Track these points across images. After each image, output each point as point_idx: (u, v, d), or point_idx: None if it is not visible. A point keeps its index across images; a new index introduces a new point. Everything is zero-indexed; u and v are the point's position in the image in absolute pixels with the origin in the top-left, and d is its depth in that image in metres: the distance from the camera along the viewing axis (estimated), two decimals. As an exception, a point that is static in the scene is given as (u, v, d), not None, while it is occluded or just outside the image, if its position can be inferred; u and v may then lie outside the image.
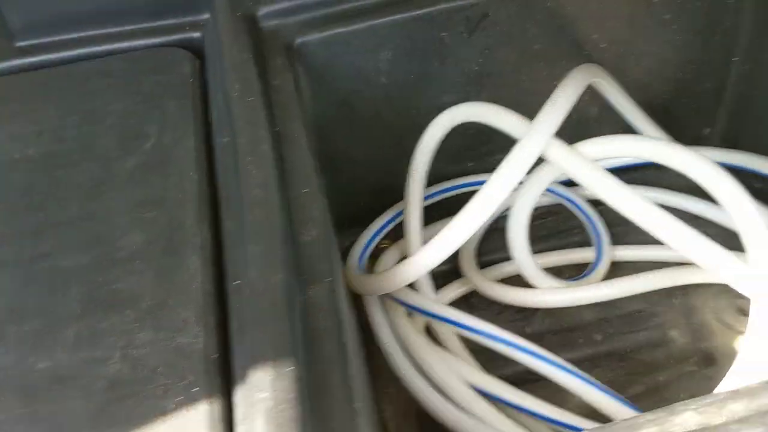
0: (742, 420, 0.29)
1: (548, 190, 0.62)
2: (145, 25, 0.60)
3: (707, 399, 0.31)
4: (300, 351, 0.33)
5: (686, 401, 0.31)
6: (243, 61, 0.47)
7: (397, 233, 0.61)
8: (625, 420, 0.31)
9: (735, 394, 0.30)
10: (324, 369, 0.33)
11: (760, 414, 0.29)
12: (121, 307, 0.43)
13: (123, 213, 0.48)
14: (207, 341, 0.41)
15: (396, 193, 0.60)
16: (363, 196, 0.63)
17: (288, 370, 0.32)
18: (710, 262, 0.41)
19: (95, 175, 0.51)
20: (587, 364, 0.55)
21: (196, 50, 0.59)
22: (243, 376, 0.36)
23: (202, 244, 0.47)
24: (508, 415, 0.47)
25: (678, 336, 0.56)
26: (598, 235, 0.58)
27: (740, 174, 0.63)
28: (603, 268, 0.56)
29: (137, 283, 0.45)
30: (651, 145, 0.42)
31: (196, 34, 0.60)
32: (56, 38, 0.60)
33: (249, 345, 0.34)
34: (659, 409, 0.31)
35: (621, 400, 0.46)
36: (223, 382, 0.39)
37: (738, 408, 0.30)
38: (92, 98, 0.56)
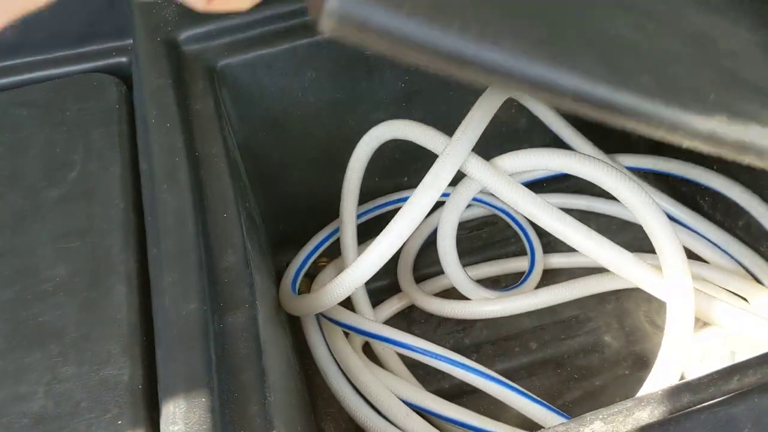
0: (645, 428, 0.30)
1: (482, 201, 0.63)
2: (70, 51, 0.60)
3: (615, 408, 0.32)
4: (215, 381, 0.33)
5: (595, 411, 0.32)
6: (161, 86, 0.46)
7: (336, 251, 0.61)
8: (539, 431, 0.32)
9: (640, 403, 0.31)
10: (242, 397, 0.33)
11: (661, 423, 0.30)
12: (46, 341, 0.43)
13: (48, 244, 0.48)
14: (133, 372, 0.41)
15: (334, 210, 0.60)
16: (300, 215, 0.63)
17: (201, 401, 0.32)
18: (623, 270, 0.42)
19: (19, 207, 0.50)
20: (524, 373, 0.56)
21: (123, 76, 0.59)
22: (162, 408, 0.36)
23: (128, 274, 0.46)
24: (443, 429, 0.47)
25: (612, 340, 0.57)
26: (530, 244, 0.59)
27: (668, 179, 0.65)
28: (536, 276, 0.57)
29: (62, 316, 0.44)
30: (562, 157, 0.43)
31: (123, 59, 0.59)
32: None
33: (164, 376, 0.33)
34: (571, 420, 0.32)
35: (552, 409, 0.47)
36: (149, 414, 0.39)
37: (643, 416, 0.31)
38: (15, 129, 0.55)
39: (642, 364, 0.55)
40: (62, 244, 0.47)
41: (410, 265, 0.60)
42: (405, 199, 0.62)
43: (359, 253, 0.55)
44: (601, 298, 0.59)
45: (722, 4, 0.31)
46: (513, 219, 0.61)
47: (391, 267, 0.59)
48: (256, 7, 0.52)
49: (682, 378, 0.45)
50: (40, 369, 0.41)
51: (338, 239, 0.60)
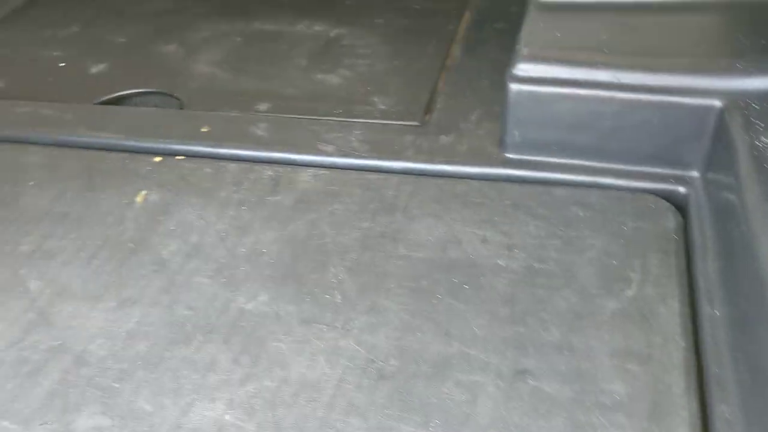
0: None
1: None
2: (626, 167, 0.61)
3: None
4: None
5: None
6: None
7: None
8: None
9: None
10: None
11: None
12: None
13: (604, 355, 0.48)
14: None
15: None
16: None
17: None
18: None
19: (576, 306, 0.51)
20: None
21: (677, 204, 0.59)
22: None
23: (690, 420, 0.45)
24: None
25: None
26: None
27: None
28: None
29: (621, 438, 0.44)
30: None
31: (681, 189, 0.59)
32: (542, 159, 0.63)
33: None
34: None
35: None
36: None
37: None
38: (571, 226, 0.58)
39: None
40: (619, 360, 0.48)
41: None
42: None
43: None
44: None
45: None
46: None
47: None
48: None
49: None
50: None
51: None
